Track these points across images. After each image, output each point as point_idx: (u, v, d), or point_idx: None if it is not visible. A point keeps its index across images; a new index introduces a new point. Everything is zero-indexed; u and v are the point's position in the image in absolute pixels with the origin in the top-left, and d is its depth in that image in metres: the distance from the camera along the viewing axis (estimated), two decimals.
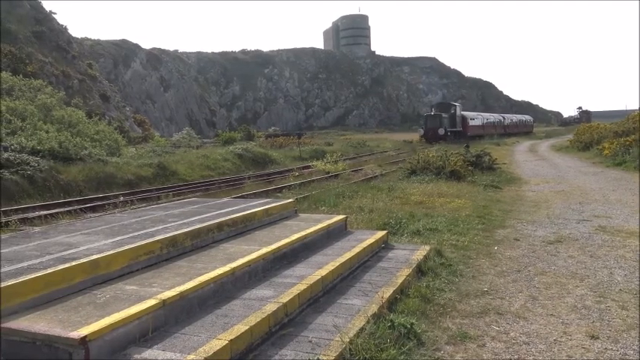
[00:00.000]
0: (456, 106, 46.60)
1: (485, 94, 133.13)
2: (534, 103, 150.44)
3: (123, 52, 75.96)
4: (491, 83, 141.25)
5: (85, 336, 2.86)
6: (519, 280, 5.52)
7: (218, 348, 3.10)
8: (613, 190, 12.68)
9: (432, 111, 45.16)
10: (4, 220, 9.73)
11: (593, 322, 4.32)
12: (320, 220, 6.61)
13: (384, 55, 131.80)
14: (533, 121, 76.45)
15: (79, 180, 15.26)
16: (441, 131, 40.23)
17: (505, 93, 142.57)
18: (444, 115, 42.64)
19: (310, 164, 21.71)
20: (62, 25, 40.26)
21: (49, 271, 3.61)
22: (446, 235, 7.47)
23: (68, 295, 3.59)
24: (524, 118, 69.59)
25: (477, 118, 50.66)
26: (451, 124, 43.22)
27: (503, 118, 59.86)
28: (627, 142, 20.76)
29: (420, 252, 6.14)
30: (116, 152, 20.96)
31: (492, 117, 56.83)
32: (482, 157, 17.50)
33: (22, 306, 3.31)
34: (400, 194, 11.34)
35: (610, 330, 4.14)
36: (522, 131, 62.36)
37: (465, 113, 48.06)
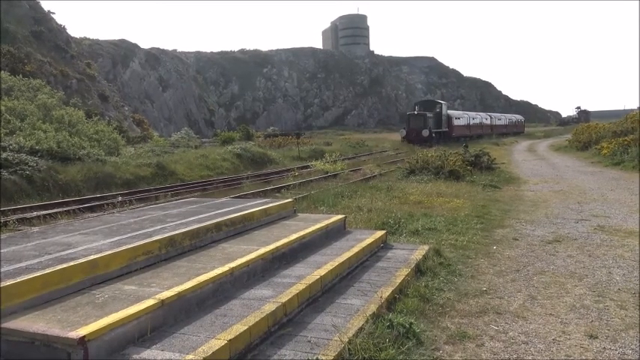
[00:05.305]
0: (441, 104, 43.06)
1: (484, 93, 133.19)
2: (533, 102, 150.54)
3: (121, 51, 75.81)
4: (490, 83, 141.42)
5: (84, 336, 2.86)
6: (518, 280, 5.53)
7: (217, 348, 3.10)
8: (611, 189, 12.70)
9: (415, 110, 41.05)
10: (2, 220, 9.71)
11: (592, 321, 4.33)
12: (319, 220, 6.61)
13: (383, 54, 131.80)
14: (524, 121, 72.18)
15: (78, 180, 15.24)
16: (425, 132, 36.96)
17: (504, 93, 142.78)
18: (428, 114, 39.04)
19: (309, 164, 21.71)
20: (61, 25, 40.24)
21: (48, 271, 3.61)
22: (445, 235, 7.48)
23: (67, 295, 3.59)
24: (514, 118, 65.87)
25: (462, 118, 47.01)
26: (436, 124, 39.78)
27: (491, 117, 56.34)
28: (626, 142, 20.80)
29: (419, 252, 6.14)
30: (115, 152, 20.94)
31: (479, 116, 53.11)
32: (481, 157, 17.52)
33: (21, 306, 3.31)
34: (399, 194, 11.34)
35: (609, 329, 4.15)
36: (512, 132, 59.34)
37: (450, 112, 44.34)
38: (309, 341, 3.57)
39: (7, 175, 13.32)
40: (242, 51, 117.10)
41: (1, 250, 4.34)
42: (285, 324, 3.85)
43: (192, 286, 3.79)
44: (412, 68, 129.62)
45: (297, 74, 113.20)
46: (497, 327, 4.23)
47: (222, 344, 3.16)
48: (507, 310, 4.60)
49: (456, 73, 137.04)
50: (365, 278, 5.16)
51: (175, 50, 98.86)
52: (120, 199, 13.27)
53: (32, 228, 7.46)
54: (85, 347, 2.85)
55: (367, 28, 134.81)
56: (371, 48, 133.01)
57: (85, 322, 3.05)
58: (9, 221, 9.65)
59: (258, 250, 4.89)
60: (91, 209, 11.98)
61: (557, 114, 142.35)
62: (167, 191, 14.86)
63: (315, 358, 3.29)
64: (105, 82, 43.34)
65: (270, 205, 6.79)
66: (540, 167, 20.05)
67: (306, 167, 21.11)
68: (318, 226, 6.19)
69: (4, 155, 14.16)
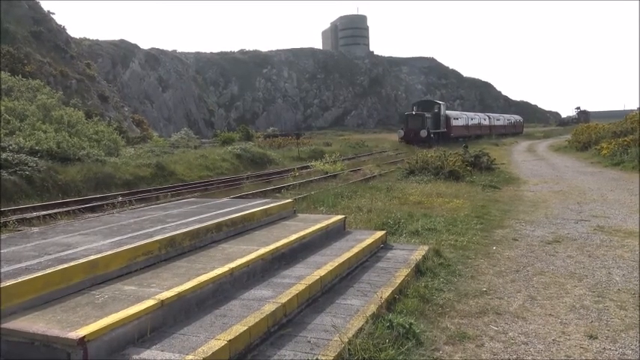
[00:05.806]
0: (439, 104, 42.79)
1: (483, 94, 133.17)
2: (533, 103, 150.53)
3: (121, 52, 75.76)
4: (489, 83, 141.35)
5: (84, 336, 2.86)
6: (518, 280, 5.53)
7: (217, 348, 3.10)
8: (611, 190, 12.70)
9: (413, 110, 40.69)
10: (2, 220, 9.71)
11: (592, 321, 4.33)
12: (318, 220, 6.61)
13: (383, 55, 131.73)
14: (524, 122, 72.03)
15: (78, 180, 15.23)
16: (424, 133, 36.51)
17: (504, 93, 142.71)
18: (426, 114, 38.70)
19: (309, 164, 21.70)
20: (60, 25, 40.19)
21: (48, 271, 3.61)
22: (444, 235, 7.48)
23: (67, 296, 3.58)
24: (513, 119, 65.76)
25: (461, 118, 46.69)
26: (435, 124, 39.59)
27: (489, 117, 56.16)
28: (625, 142, 20.81)
29: (419, 252, 6.14)
30: (115, 152, 20.93)
31: (477, 117, 52.81)
32: (481, 157, 17.53)
33: (21, 306, 3.31)
34: (399, 194, 11.35)
35: (608, 330, 4.15)
36: (511, 132, 59.24)
37: (448, 112, 43.96)
38: (309, 342, 3.57)
39: (7, 176, 13.31)
40: (242, 51, 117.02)
41: (1, 251, 4.34)
42: (285, 324, 3.85)
43: (192, 287, 3.79)
44: (412, 68, 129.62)
45: (296, 75, 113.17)
46: (497, 327, 4.23)
47: (222, 345, 3.16)
48: (507, 311, 4.61)
49: (455, 74, 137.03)
50: (365, 278, 5.16)
51: (175, 51, 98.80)
52: (120, 199, 13.27)
53: (32, 228, 7.46)
54: (84, 347, 2.85)
55: (367, 29, 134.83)
56: (371, 48, 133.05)
57: (84, 323, 3.05)
58: (9, 222, 9.64)
59: (258, 250, 4.89)
60: (91, 209, 11.99)
61: (556, 114, 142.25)
62: (167, 191, 14.86)
63: (314, 358, 3.29)
64: (104, 82, 43.31)
65: (270, 205, 6.79)
66: (540, 167, 20.05)
67: (306, 167, 21.10)
68: (317, 226, 6.19)
69: (3, 156, 14.15)
